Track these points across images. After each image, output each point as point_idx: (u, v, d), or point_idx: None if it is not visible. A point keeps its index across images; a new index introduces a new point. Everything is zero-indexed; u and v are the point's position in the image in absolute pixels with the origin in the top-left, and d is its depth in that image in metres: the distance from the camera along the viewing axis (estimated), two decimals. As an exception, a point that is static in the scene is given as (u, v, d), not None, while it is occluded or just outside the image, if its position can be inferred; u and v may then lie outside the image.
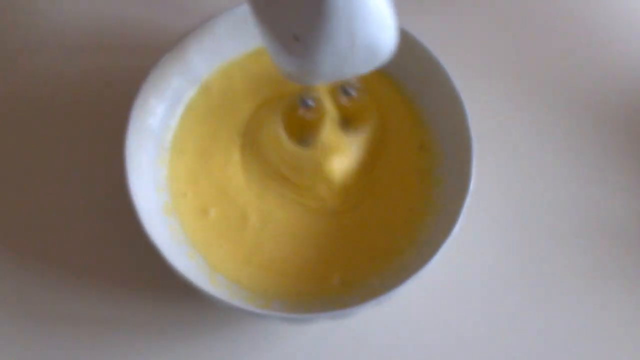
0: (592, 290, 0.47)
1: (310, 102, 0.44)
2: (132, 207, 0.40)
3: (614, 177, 0.51)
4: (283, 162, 0.46)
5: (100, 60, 0.51)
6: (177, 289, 0.42)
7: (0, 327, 0.44)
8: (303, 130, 0.46)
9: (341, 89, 0.45)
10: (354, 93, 0.44)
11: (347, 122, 0.46)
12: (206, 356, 0.44)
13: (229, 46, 0.47)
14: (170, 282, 0.41)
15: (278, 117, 0.46)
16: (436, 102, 0.46)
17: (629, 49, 0.56)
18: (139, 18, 0.53)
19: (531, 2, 0.57)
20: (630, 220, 0.49)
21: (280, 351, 0.44)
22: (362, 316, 0.41)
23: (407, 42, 0.46)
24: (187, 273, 0.39)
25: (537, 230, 0.48)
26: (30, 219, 0.47)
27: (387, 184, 0.47)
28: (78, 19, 0.53)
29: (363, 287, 0.43)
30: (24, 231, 0.47)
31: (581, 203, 0.49)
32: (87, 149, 0.49)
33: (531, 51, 0.55)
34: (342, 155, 0.45)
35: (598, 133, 0.52)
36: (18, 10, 0.54)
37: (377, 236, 0.45)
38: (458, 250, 0.42)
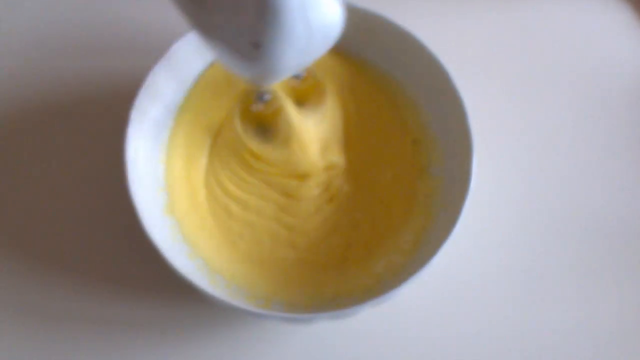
0: (592, 289, 0.47)
1: (267, 97, 0.44)
2: (133, 207, 0.41)
3: (614, 177, 0.51)
4: (255, 160, 0.46)
5: (100, 61, 0.51)
6: (177, 289, 0.42)
7: (0, 327, 0.44)
8: (262, 123, 0.46)
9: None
10: (302, 73, 0.45)
11: (303, 103, 0.47)
12: (206, 356, 0.44)
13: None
14: (170, 282, 0.41)
15: (237, 118, 0.46)
16: (436, 101, 0.46)
17: (631, 49, 0.56)
18: (137, 19, 0.53)
19: (531, 3, 0.57)
20: (630, 220, 0.49)
21: (280, 351, 0.44)
22: (362, 316, 0.41)
23: (408, 42, 0.47)
24: (187, 273, 0.39)
25: (537, 230, 0.48)
26: (31, 219, 0.47)
27: (387, 183, 0.47)
28: (78, 20, 0.53)
29: (362, 286, 0.43)
30: (24, 231, 0.47)
31: (581, 202, 0.49)
32: (87, 149, 0.49)
33: (531, 51, 0.55)
34: (311, 130, 0.46)
35: (598, 133, 0.52)
36: (15, 11, 0.54)
37: (377, 236, 0.45)
38: (458, 250, 0.42)
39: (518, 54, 0.55)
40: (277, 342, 0.44)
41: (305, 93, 0.47)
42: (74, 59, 0.52)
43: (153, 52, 0.45)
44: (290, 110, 0.45)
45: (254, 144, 0.45)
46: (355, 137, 0.48)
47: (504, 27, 0.56)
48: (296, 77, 0.45)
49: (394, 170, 0.47)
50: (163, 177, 0.45)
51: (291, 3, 0.31)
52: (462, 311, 0.46)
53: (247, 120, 0.46)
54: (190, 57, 0.46)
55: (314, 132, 0.46)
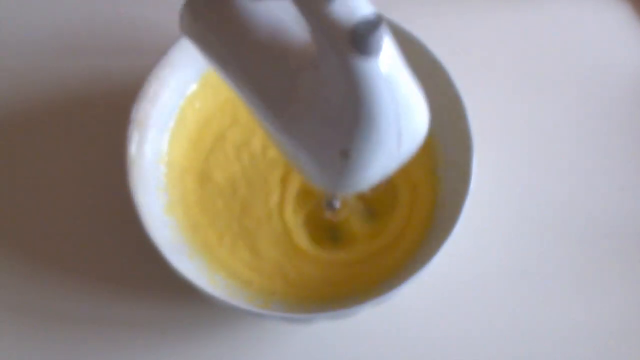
0: (592, 289, 0.47)
1: (337, 203, 0.42)
2: (133, 208, 0.41)
3: (614, 177, 0.51)
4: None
5: (100, 61, 0.51)
6: (177, 289, 0.41)
7: (0, 327, 0.44)
8: (328, 228, 0.45)
9: None
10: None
11: (374, 210, 0.46)
12: (206, 356, 0.44)
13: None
14: (170, 282, 0.41)
15: (301, 220, 0.45)
16: (436, 101, 0.46)
17: (631, 49, 0.56)
18: (137, 19, 0.53)
19: (531, 3, 0.57)
20: (630, 220, 0.49)
21: (280, 351, 0.44)
22: (362, 316, 0.41)
23: (407, 42, 0.46)
24: (187, 273, 0.39)
25: (537, 230, 0.48)
26: (31, 219, 0.47)
27: (388, 184, 0.47)
28: (78, 20, 0.53)
29: (363, 286, 0.43)
30: (24, 231, 0.47)
31: (581, 203, 0.49)
32: (87, 149, 0.49)
33: (531, 50, 0.55)
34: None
35: (598, 132, 0.52)
36: (15, 11, 0.54)
37: (377, 236, 0.45)
38: (458, 250, 0.42)
39: (518, 53, 0.55)
40: (277, 342, 0.44)
41: (376, 200, 0.45)
42: (74, 59, 0.52)
43: (153, 52, 0.45)
44: (357, 224, 0.45)
45: (308, 245, 0.45)
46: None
47: (504, 27, 0.56)
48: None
49: (394, 173, 0.47)
50: (163, 177, 0.45)
51: (387, 110, 0.29)
52: (462, 311, 0.46)
53: (312, 224, 0.45)
54: (192, 57, 0.46)
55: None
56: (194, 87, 0.47)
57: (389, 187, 0.45)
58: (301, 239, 0.45)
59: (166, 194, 0.45)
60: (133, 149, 0.43)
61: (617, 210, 0.49)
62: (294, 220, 0.45)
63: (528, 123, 0.52)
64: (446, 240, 0.40)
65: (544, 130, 0.52)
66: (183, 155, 0.46)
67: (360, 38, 0.27)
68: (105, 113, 0.49)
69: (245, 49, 0.33)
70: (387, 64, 0.29)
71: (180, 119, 0.47)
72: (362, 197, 0.45)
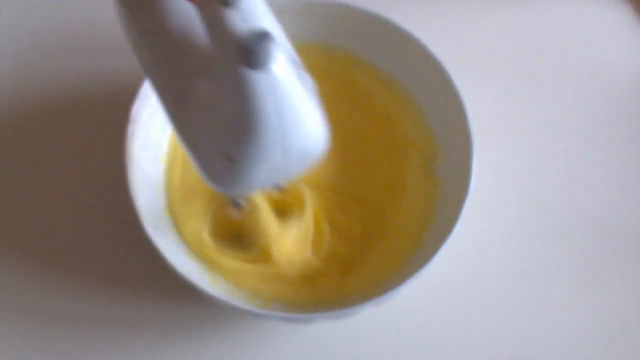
0: (592, 289, 0.47)
1: (241, 202, 0.42)
2: (133, 207, 0.40)
3: (614, 177, 0.51)
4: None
5: (100, 61, 0.51)
6: (177, 289, 0.41)
7: (1, 327, 0.44)
8: (236, 227, 0.45)
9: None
10: (284, 185, 0.43)
11: (282, 210, 0.45)
12: (206, 356, 0.44)
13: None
14: (170, 282, 0.41)
15: (207, 223, 0.45)
16: (436, 101, 0.46)
17: (631, 49, 0.56)
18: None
19: (531, 3, 0.57)
20: (630, 220, 0.49)
21: (280, 351, 0.44)
22: (362, 316, 0.41)
23: (408, 42, 0.47)
24: (187, 273, 0.39)
25: (537, 230, 0.48)
26: (31, 219, 0.47)
27: (388, 184, 0.47)
28: (78, 20, 0.53)
29: (363, 286, 0.43)
30: (24, 231, 0.47)
31: (581, 202, 0.49)
32: (88, 149, 0.49)
33: (531, 51, 0.55)
34: (288, 242, 0.44)
35: (598, 132, 0.52)
36: (16, 11, 0.54)
37: (377, 236, 0.45)
38: (458, 250, 0.42)
39: (518, 54, 0.55)
40: (277, 342, 0.44)
41: (285, 203, 0.45)
42: (74, 59, 0.52)
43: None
44: (267, 219, 0.44)
45: (222, 257, 0.44)
46: (352, 143, 0.47)
47: (504, 27, 0.56)
48: (277, 187, 0.42)
49: (397, 173, 0.47)
50: (163, 176, 0.45)
51: (270, 124, 0.30)
52: (462, 311, 0.46)
53: (220, 227, 0.44)
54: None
55: (290, 243, 0.44)
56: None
57: (297, 193, 0.45)
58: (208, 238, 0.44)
59: (166, 194, 0.45)
60: (133, 148, 0.43)
61: (617, 210, 0.49)
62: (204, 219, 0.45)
63: (528, 123, 0.52)
64: (446, 240, 0.40)
65: (544, 130, 0.52)
66: (184, 155, 0.46)
67: (248, 50, 0.28)
68: (105, 113, 0.49)
69: (155, 41, 0.34)
70: (276, 79, 0.29)
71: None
72: (270, 200, 0.44)
